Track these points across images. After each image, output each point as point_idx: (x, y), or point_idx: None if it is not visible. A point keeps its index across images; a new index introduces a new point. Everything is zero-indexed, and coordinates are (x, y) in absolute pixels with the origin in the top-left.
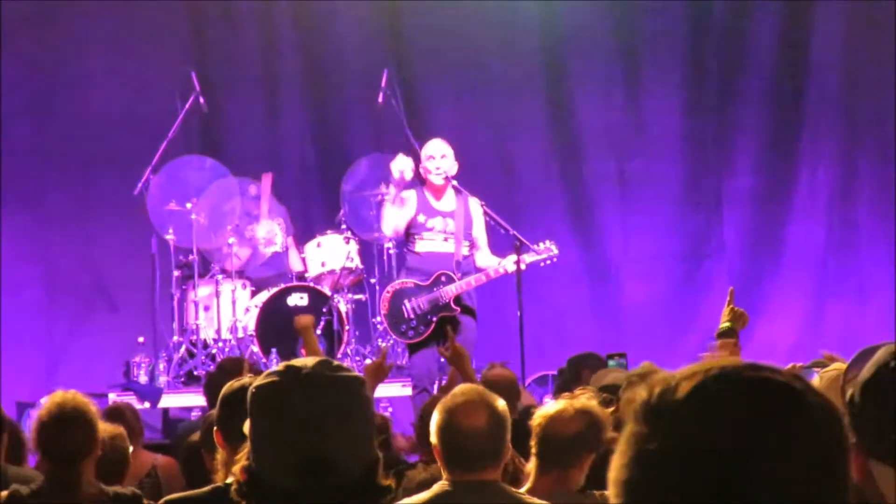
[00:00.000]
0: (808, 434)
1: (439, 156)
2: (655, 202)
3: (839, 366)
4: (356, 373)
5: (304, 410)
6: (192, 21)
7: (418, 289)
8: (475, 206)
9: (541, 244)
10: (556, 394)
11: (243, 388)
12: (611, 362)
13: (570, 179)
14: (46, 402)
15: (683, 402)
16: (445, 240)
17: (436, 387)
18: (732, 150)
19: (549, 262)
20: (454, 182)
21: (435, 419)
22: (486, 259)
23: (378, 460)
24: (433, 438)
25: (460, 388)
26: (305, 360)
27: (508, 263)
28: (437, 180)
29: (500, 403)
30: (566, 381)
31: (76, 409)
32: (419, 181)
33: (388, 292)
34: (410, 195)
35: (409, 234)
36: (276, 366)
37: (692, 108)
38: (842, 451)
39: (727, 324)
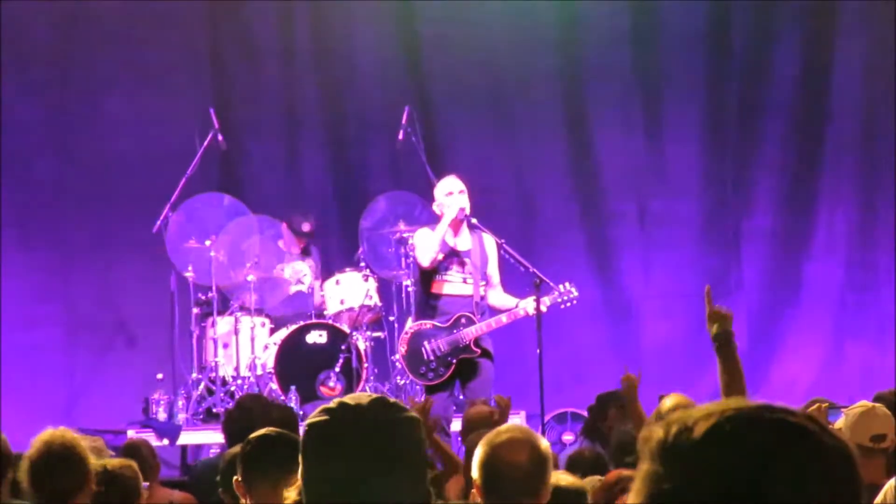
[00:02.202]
0: (823, 476)
1: (457, 191)
2: (675, 241)
3: (865, 403)
4: (411, 412)
5: (356, 454)
6: (211, 58)
7: (438, 330)
8: (490, 243)
9: (561, 286)
10: (585, 431)
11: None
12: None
13: (590, 219)
14: (36, 440)
15: (699, 443)
16: (465, 281)
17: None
18: (752, 189)
19: (568, 304)
20: (473, 220)
21: (478, 454)
22: (498, 297)
23: (430, 497)
24: (474, 472)
25: (505, 426)
26: (360, 397)
27: (528, 306)
28: (452, 213)
29: (544, 443)
30: (594, 419)
31: (65, 446)
32: (435, 219)
33: (406, 333)
34: (427, 231)
35: (428, 275)
36: (331, 402)
37: (712, 149)
38: (855, 492)
39: (714, 329)
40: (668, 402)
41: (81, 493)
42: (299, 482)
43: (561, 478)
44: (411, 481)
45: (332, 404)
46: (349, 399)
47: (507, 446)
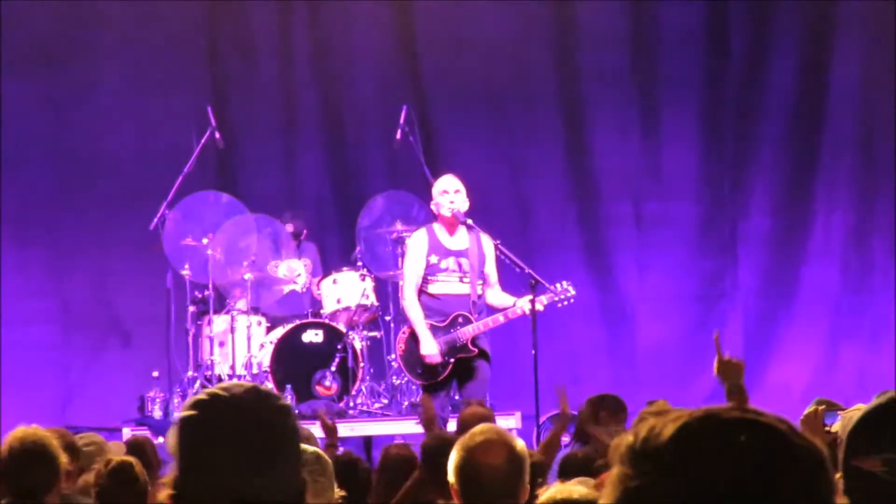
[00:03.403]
0: (792, 475)
1: (453, 190)
2: (671, 243)
3: (861, 406)
4: (284, 399)
5: (230, 446)
6: (209, 57)
7: (435, 329)
8: (487, 242)
9: (558, 285)
10: (575, 435)
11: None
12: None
13: (587, 220)
14: (8, 436)
15: (668, 443)
16: (461, 280)
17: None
18: (748, 191)
19: (565, 303)
20: (469, 220)
21: (454, 458)
22: (497, 297)
23: (305, 484)
24: (451, 477)
25: (479, 428)
26: (232, 387)
27: (525, 304)
28: (446, 213)
29: (519, 443)
30: (584, 422)
31: (36, 443)
32: (432, 218)
33: (403, 333)
34: (421, 235)
35: (424, 275)
36: (201, 393)
37: (709, 150)
38: (826, 492)
39: (727, 386)
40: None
41: (52, 491)
42: (173, 473)
43: (574, 490)
44: (288, 472)
45: (204, 395)
46: (221, 390)
47: (483, 448)
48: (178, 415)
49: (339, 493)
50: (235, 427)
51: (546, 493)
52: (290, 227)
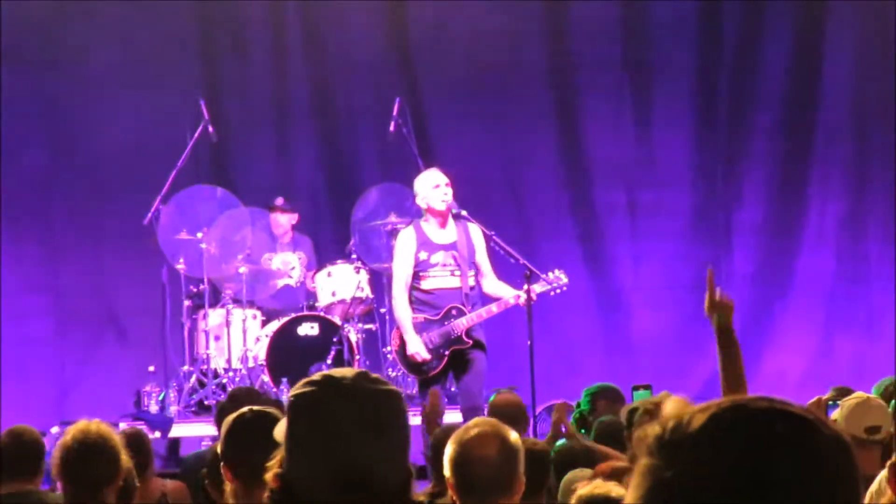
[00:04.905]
0: (821, 464)
1: (444, 183)
2: (665, 232)
3: (860, 395)
4: (394, 386)
5: (343, 422)
6: (201, 50)
7: (429, 323)
8: (476, 231)
9: (550, 273)
10: (575, 425)
11: (247, 420)
12: (636, 394)
13: (580, 210)
14: (71, 429)
15: (697, 433)
16: (452, 273)
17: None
18: (742, 181)
19: (558, 291)
20: (460, 210)
21: (448, 451)
22: (492, 286)
23: (412, 475)
24: (446, 471)
25: (473, 421)
26: (345, 371)
27: (521, 297)
28: (442, 206)
29: (513, 435)
30: (582, 413)
31: (101, 437)
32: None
33: (398, 328)
34: (409, 233)
35: (415, 272)
36: (314, 374)
37: (702, 140)
38: (853, 481)
39: (715, 321)
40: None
41: (112, 486)
42: (280, 454)
43: (613, 488)
44: (396, 452)
45: (317, 376)
46: (334, 372)
47: (476, 441)
48: (289, 396)
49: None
50: (347, 407)
51: (585, 488)
52: (279, 201)
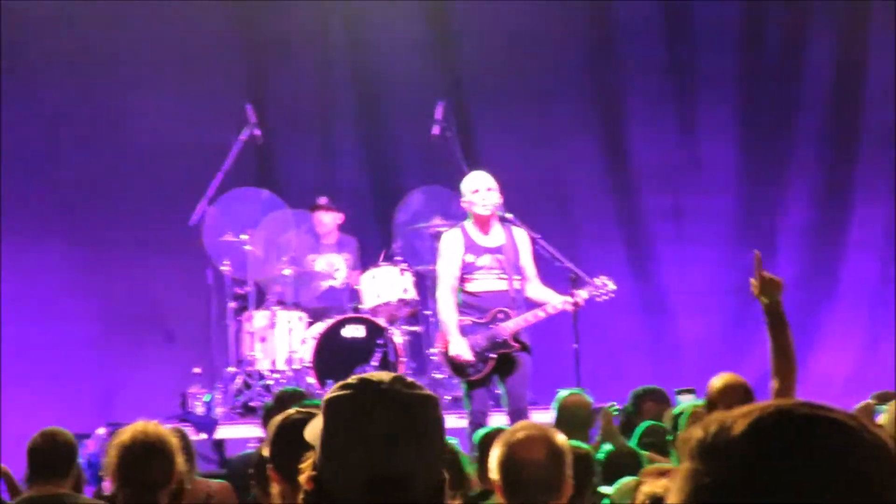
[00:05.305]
0: (863, 471)
1: (485, 188)
2: (710, 236)
3: None
4: (430, 391)
5: (379, 426)
6: (246, 54)
7: (476, 326)
8: (521, 235)
9: (597, 280)
10: (620, 428)
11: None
12: (681, 398)
13: (626, 214)
14: (129, 430)
15: (739, 438)
16: (499, 277)
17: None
18: (787, 184)
19: (605, 297)
20: (507, 214)
21: (496, 454)
22: (536, 290)
23: (445, 480)
24: (494, 474)
25: (520, 424)
26: (381, 375)
27: (567, 302)
28: (485, 211)
29: (560, 438)
30: (629, 415)
31: (159, 438)
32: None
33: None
34: (455, 235)
35: (461, 275)
36: (350, 378)
37: (747, 144)
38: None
39: (764, 300)
40: (718, 382)
41: (167, 488)
42: (314, 456)
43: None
44: (431, 457)
45: (353, 380)
46: (371, 376)
47: (524, 444)
48: (324, 398)
49: None
50: (383, 411)
51: (647, 486)
52: (322, 200)
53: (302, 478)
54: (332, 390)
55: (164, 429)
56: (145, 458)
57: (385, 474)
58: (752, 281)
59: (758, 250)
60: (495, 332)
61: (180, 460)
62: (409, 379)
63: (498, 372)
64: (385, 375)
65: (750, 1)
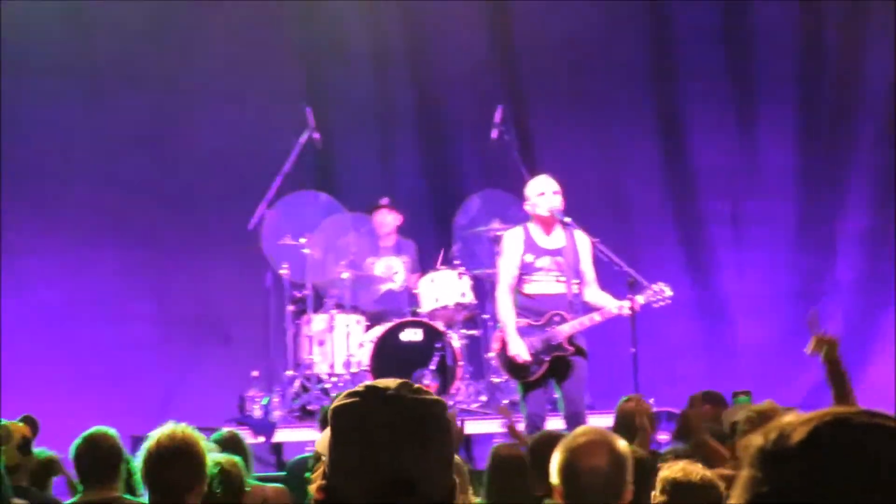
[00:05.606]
0: None
1: (550, 191)
2: (769, 241)
3: None
4: (436, 396)
5: (386, 432)
6: (305, 57)
7: (532, 328)
8: (582, 240)
9: (654, 286)
10: (679, 432)
11: None
12: (737, 400)
13: (684, 218)
14: (156, 433)
15: (797, 447)
16: (557, 280)
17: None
18: (846, 189)
19: (662, 303)
20: (567, 218)
21: (556, 459)
22: (594, 295)
23: (455, 485)
24: (554, 478)
25: (581, 429)
26: (387, 382)
27: (623, 307)
28: (545, 213)
29: (621, 443)
30: (686, 420)
31: (185, 442)
32: (527, 217)
33: (499, 332)
34: (517, 234)
35: (520, 275)
36: (358, 386)
37: (806, 149)
38: None
39: (824, 356)
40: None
41: (195, 491)
42: (324, 465)
43: (692, 471)
44: (440, 462)
45: (360, 387)
46: (377, 383)
47: (585, 450)
48: (332, 405)
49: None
50: (390, 417)
51: (666, 469)
52: (385, 200)
53: (312, 487)
54: (338, 399)
55: (193, 432)
56: (167, 462)
57: (395, 480)
58: (811, 341)
59: (814, 309)
60: (550, 334)
61: (209, 462)
62: (416, 385)
63: (554, 375)
64: (392, 382)
65: (808, 1)
